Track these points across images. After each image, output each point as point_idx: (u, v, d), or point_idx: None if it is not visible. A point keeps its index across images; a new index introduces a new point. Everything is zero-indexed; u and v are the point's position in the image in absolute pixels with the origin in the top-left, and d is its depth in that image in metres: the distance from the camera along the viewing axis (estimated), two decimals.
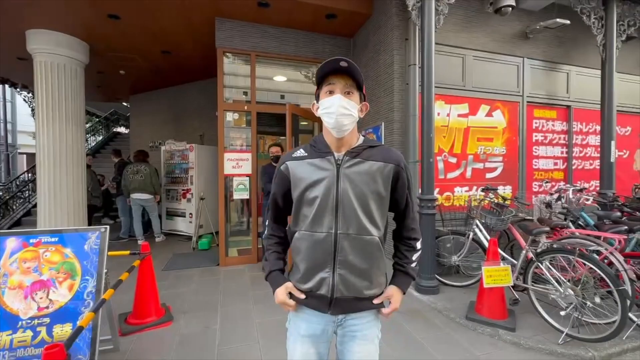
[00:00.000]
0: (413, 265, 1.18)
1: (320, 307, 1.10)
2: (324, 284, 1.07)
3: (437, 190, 3.95)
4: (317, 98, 1.12)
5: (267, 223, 1.27)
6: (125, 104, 11.20)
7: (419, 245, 1.19)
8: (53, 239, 2.07)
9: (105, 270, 2.09)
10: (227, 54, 4.56)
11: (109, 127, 13.71)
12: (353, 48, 5.01)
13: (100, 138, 12.78)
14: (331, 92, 1.05)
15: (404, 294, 1.17)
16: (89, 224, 5.73)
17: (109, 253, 2.23)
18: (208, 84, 7.46)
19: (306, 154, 1.11)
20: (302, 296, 1.11)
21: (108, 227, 2.20)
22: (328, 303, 1.08)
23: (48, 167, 4.58)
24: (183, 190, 6.34)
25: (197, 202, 5.99)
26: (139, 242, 5.67)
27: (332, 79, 1.05)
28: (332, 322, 1.13)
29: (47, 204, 4.58)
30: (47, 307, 1.97)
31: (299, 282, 1.12)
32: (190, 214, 6.20)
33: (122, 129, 14.15)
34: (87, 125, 12.29)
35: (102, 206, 6.87)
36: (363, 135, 1.17)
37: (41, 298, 1.97)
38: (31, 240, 2.05)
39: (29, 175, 8.91)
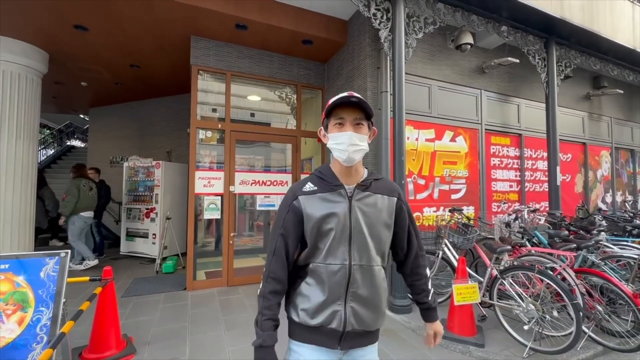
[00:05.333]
0: (431, 294, 1.26)
1: (330, 344, 1.07)
2: (336, 318, 1.05)
3: None
4: (326, 128, 1.14)
5: (265, 275, 1.10)
6: (82, 116, 10.54)
7: (428, 272, 1.28)
8: (2, 266, 1.85)
9: (63, 300, 1.90)
10: (202, 72, 4.52)
11: (62, 140, 12.72)
12: (327, 73, 5.21)
13: (52, 152, 11.78)
14: (340, 125, 1.08)
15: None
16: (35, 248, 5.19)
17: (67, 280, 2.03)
18: (177, 100, 7.29)
19: (316, 188, 1.10)
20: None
21: (69, 252, 2.02)
22: (339, 338, 1.06)
23: None
24: (146, 209, 5.98)
25: (162, 222, 5.67)
26: (85, 265, 5.14)
27: (342, 112, 1.07)
28: (339, 352, 1.11)
29: None
30: None
31: (308, 317, 1.06)
32: (154, 234, 5.83)
33: (77, 143, 13.19)
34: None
35: (48, 228, 6.28)
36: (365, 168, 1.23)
37: None
38: None
39: None
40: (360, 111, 1.08)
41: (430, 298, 1.24)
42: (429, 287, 1.25)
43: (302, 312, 1.07)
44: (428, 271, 1.26)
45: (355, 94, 1.06)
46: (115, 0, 3.56)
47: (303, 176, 5.06)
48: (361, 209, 1.08)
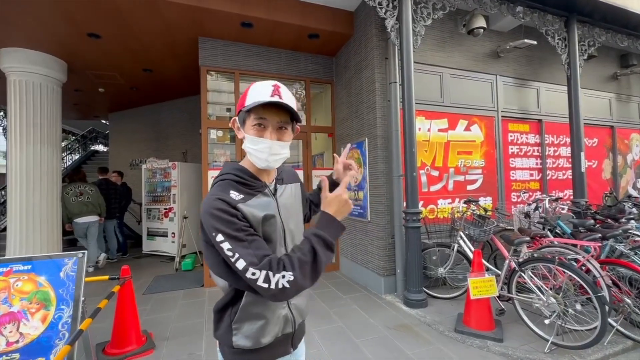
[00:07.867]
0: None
1: (285, 350, 1.03)
2: (288, 322, 1.00)
3: (421, 203, 4.02)
4: (242, 121, 0.97)
5: (276, 264, 0.82)
6: (104, 121, 10.96)
7: None
8: (25, 267, 1.96)
9: (82, 298, 1.98)
10: (211, 72, 4.57)
11: (86, 145, 13.30)
12: (335, 66, 5.14)
13: (77, 157, 12.35)
14: (260, 126, 0.93)
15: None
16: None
17: (86, 279, 2.12)
18: (190, 101, 7.43)
19: (242, 196, 0.91)
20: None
21: (86, 252, 2.10)
22: (291, 339, 1.04)
23: (20, 190, 4.37)
24: (165, 209, 6.17)
25: (180, 221, 5.83)
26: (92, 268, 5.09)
27: (264, 111, 0.92)
28: (292, 355, 1.07)
29: (19, 228, 4.34)
30: (16, 342, 1.84)
31: (261, 336, 0.93)
32: (173, 233, 6.01)
33: (100, 147, 13.76)
34: (63, 144, 11.88)
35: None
36: None
37: (10, 332, 1.84)
38: (0, 270, 1.93)
39: None
40: (286, 113, 0.94)
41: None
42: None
43: (253, 333, 0.93)
44: None
45: (283, 90, 0.91)
46: (124, 5, 3.65)
47: (315, 172, 5.04)
48: (284, 205, 1.02)
